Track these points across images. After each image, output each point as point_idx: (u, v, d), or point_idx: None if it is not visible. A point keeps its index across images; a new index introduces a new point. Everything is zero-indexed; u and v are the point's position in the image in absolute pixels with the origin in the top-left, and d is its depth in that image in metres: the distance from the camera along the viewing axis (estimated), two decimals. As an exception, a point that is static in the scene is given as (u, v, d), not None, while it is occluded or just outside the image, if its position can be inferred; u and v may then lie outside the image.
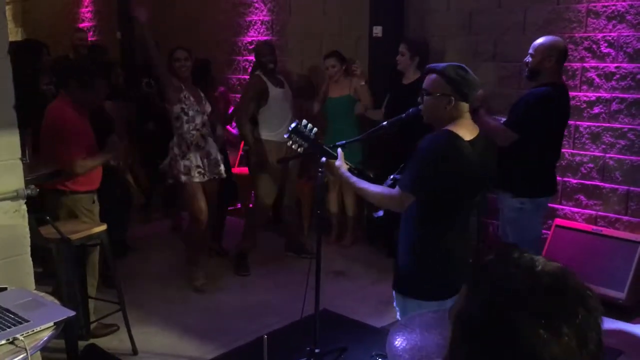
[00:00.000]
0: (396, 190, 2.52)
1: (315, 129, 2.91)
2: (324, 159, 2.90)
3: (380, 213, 2.77)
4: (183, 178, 4.53)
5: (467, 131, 2.46)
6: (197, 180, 4.55)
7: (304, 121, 2.93)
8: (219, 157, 4.74)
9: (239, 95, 5.71)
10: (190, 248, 4.80)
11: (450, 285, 2.53)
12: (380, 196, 2.61)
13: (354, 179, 2.72)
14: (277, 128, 5.01)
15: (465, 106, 2.48)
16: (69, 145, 3.68)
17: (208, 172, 4.61)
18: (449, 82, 2.44)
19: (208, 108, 4.67)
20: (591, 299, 0.92)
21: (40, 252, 3.18)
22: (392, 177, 2.66)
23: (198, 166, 4.55)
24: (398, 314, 2.70)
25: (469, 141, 2.43)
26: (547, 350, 0.86)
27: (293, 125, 2.90)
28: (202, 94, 4.72)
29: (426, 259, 2.55)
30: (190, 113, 4.51)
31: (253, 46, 6.31)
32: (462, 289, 1.00)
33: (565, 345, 0.86)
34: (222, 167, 4.74)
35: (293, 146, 2.92)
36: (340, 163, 2.81)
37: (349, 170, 2.80)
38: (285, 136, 2.94)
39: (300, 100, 5.56)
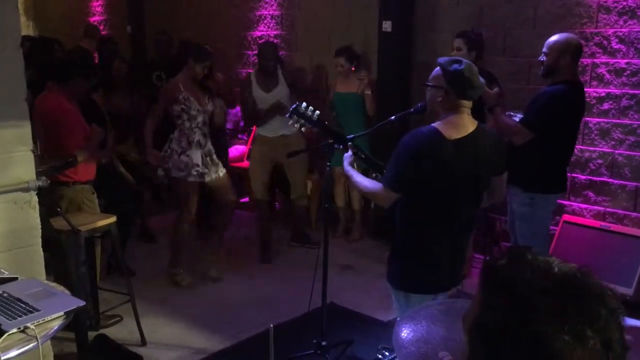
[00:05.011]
0: (380, 185, 2.58)
1: (317, 112, 3.09)
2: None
3: None
4: (176, 173, 4.47)
5: (457, 129, 2.45)
6: (191, 179, 4.47)
7: (304, 103, 3.12)
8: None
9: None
10: (174, 247, 4.66)
11: (433, 281, 2.57)
12: (368, 191, 2.69)
13: (351, 172, 2.80)
14: (266, 125, 5.09)
15: (461, 102, 2.47)
16: (72, 135, 3.74)
17: (211, 172, 4.55)
18: (444, 75, 2.47)
19: (210, 107, 4.59)
20: (611, 298, 0.89)
21: (49, 242, 3.21)
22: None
23: (197, 164, 4.47)
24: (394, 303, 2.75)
25: (455, 140, 2.43)
26: (574, 356, 0.83)
27: (293, 106, 3.12)
28: (206, 93, 4.60)
29: (407, 253, 2.60)
30: (192, 112, 4.43)
31: (262, 41, 6.31)
32: (476, 295, 0.96)
33: (591, 349, 0.84)
34: (221, 166, 4.70)
35: (296, 125, 3.12)
36: (348, 157, 2.89)
37: (357, 154, 2.92)
38: (287, 116, 3.18)
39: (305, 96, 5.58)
